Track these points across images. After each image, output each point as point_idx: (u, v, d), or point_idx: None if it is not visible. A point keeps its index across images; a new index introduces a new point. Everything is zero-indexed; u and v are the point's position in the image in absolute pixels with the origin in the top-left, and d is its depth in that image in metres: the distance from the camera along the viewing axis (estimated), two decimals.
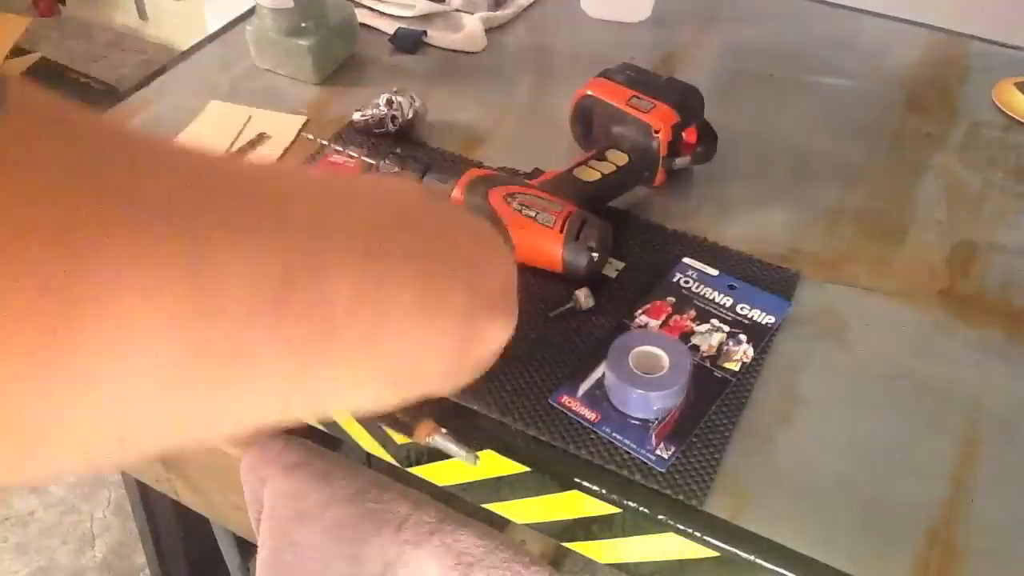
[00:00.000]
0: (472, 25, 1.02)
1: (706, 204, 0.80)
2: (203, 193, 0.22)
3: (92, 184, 0.19)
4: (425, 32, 1.01)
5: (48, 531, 1.57)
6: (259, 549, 0.83)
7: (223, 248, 0.22)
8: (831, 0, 1.11)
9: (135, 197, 0.20)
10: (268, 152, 0.84)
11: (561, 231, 0.67)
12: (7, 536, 1.58)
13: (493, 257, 0.34)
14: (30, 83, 0.19)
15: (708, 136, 0.80)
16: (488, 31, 1.03)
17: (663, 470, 0.57)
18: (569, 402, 0.61)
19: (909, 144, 0.88)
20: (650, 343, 0.62)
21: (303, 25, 0.90)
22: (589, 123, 0.81)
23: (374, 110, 0.84)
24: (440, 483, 0.67)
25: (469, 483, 0.65)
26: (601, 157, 0.75)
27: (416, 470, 0.67)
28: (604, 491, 0.57)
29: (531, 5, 1.09)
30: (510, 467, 0.60)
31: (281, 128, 0.87)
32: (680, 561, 0.57)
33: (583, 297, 0.68)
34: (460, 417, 0.61)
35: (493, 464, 0.61)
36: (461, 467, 0.64)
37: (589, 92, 0.79)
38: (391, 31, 1.01)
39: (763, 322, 0.67)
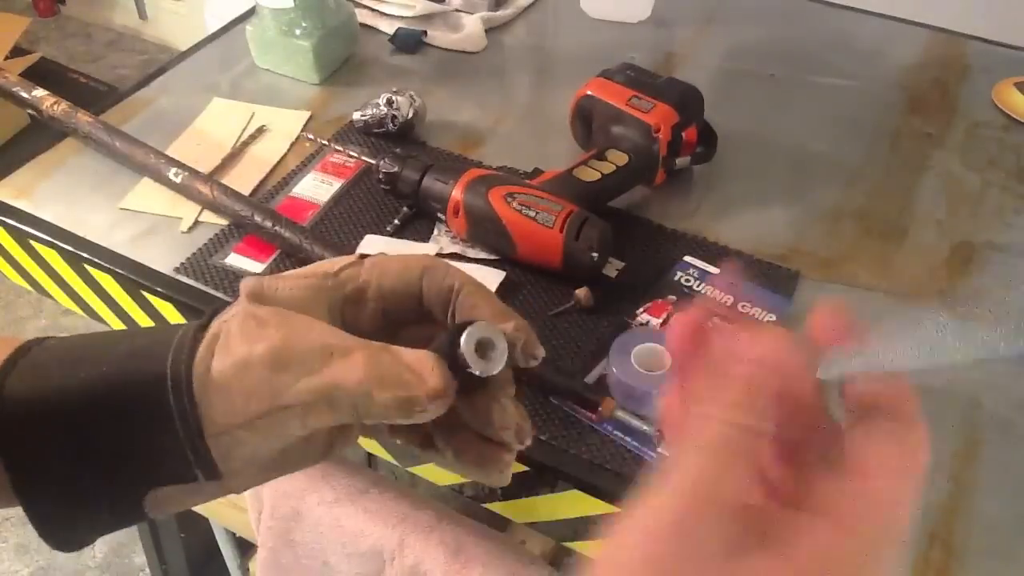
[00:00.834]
0: (472, 25, 1.02)
1: (706, 204, 0.80)
2: None
3: None
4: (425, 32, 1.01)
5: None
6: (259, 549, 0.83)
7: None
8: (831, 0, 1.11)
9: None
10: (270, 147, 0.84)
11: (561, 231, 0.67)
12: (7, 536, 1.58)
13: None
14: None
15: (708, 136, 0.80)
16: (488, 31, 1.03)
17: None
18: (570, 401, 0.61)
19: (909, 144, 0.88)
20: (651, 341, 0.62)
21: (303, 25, 0.90)
22: (589, 123, 0.81)
23: (374, 110, 0.84)
24: (440, 483, 0.67)
25: (468, 483, 0.65)
26: (601, 157, 0.75)
27: (416, 470, 0.67)
28: (605, 490, 0.57)
29: (531, 5, 1.09)
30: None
31: (284, 124, 0.87)
32: None
33: (583, 296, 0.68)
34: None
35: None
36: None
37: (589, 92, 0.79)
38: (391, 31, 1.01)
39: (764, 320, 0.67)
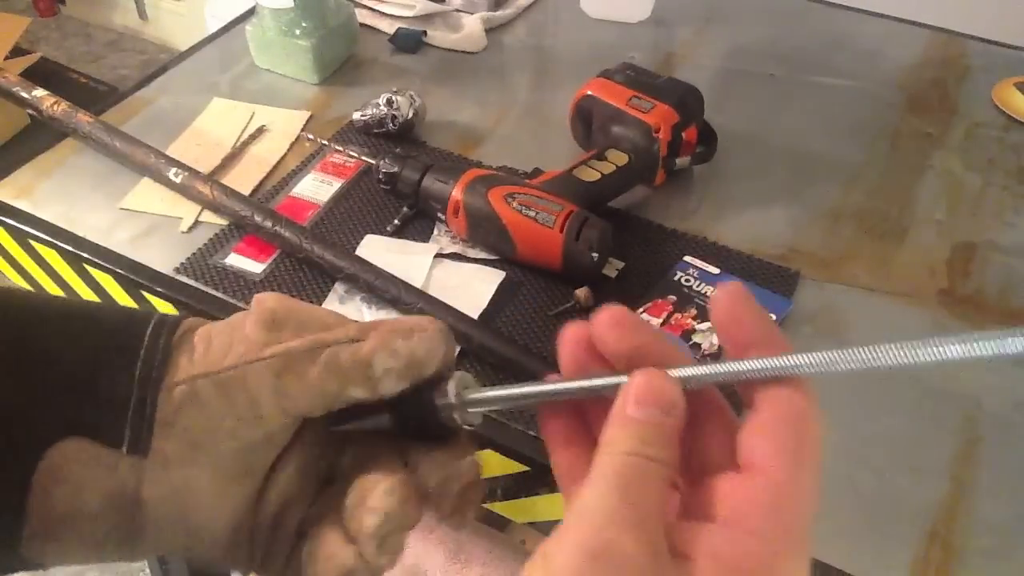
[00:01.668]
0: (472, 25, 1.02)
1: (706, 204, 0.80)
2: None
3: None
4: (425, 32, 1.01)
5: None
6: None
7: None
8: (831, 0, 1.11)
9: None
10: (270, 147, 0.84)
11: (561, 231, 0.67)
12: None
13: None
14: None
15: (708, 136, 0.80)
16: (488, 31, 1.03)
17: None
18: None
19: (909, 144, 0.88)
20: None
21: (303, 25, 0.90)
22: (589, 123, 0.81)
23: (374, 110, 0.84)
24: None
25: None
26: (601, 157, 0.75)
27: None
28: None
29: (531, 5, 1.09)
30: (510, 467, 0.60)
31: (284, 124, 0.87)
32: None
33: (583, 296, 0.68)
34: None
35: (493, 464, 0.61)
36: None
37: (589, 92, 0.79)
38: (391, 31, 1.01)
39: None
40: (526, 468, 0.60)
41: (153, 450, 0.30)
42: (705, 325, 0.67)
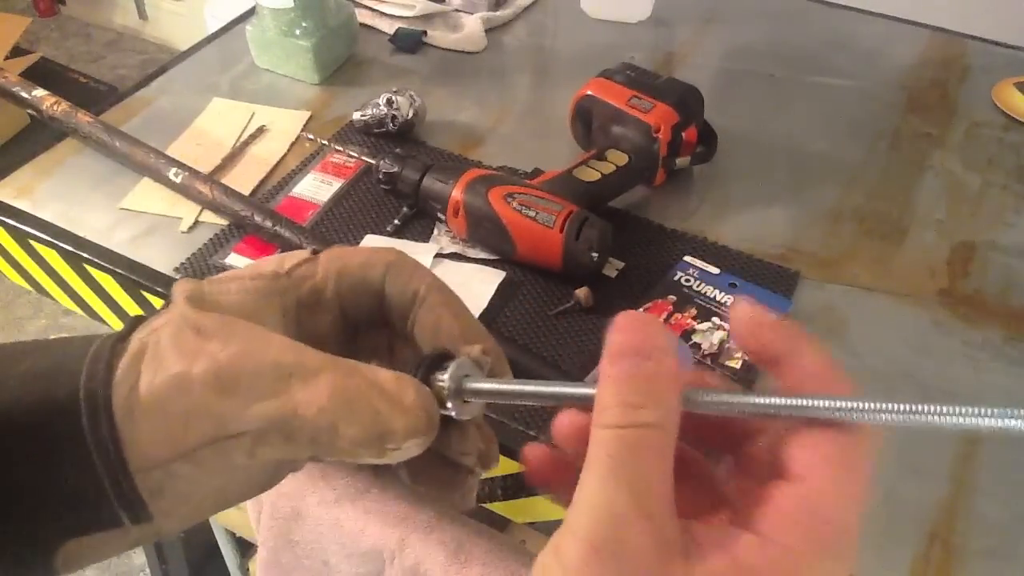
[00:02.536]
0: (472, 25, 1.02)
1: (706, 204, 0.80)
2: None
3: None
4: (425, 32, 1.01)
5: None
6: (259, 549, 0.83)
7: None
8: (831, 0, 1.11)
9: None
10: (270, 147, 0.84)
11: (561, 231, 0.67)
12: None
13: None
14: None
15: (708, 136, 0.80)
16: (488, 31, 1.03)
17: None
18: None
19: (909, 144, 0.88)
20: None
21: (303, 25, 0.90)
22: (589, 123, 0.81)
23: (374, 110, 0.84)
24: None
25: None
26: (601, 157, 0.75)
27: None
28: None
29: (531, 5, 1.09)
30: (510, 467, 0.60)
31: (284, 124, 0.87)
32: None
33: (583, 296, 0.68)
34: None
35: None
36: None
37: (589, 92, 0.79)
38: (391, 31, 1.01)
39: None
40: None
41: (155, 512, 0.29)
42: (705, 325, 0.67)
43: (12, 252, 0.79)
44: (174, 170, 0.77)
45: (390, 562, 0.72)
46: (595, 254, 0.67)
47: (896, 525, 0.56)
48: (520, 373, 0.63)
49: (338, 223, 0.76)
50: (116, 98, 0.91)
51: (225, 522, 1.02)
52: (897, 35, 1.05)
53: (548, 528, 0.64)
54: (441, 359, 0.31)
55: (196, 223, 0.76)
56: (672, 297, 0.69)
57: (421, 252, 0.73)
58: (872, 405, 0.24)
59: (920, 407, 0.23)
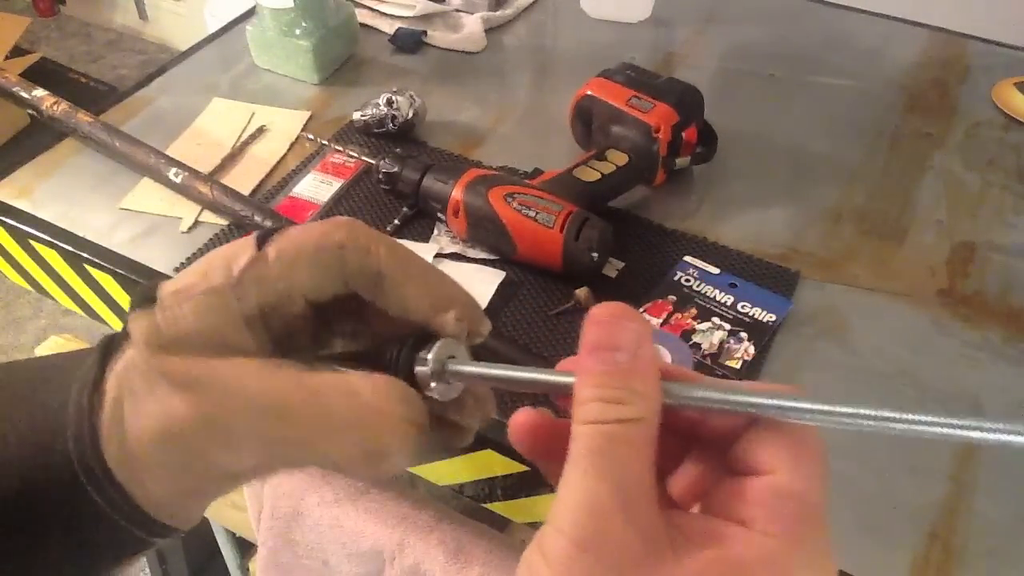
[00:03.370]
0: (472, 25, 1.02)
1: (706, 204, 0.80)
2: None
3: None
4: (425, 32, 1.01)
5: None
6: (259, 548, 0.83)
7: None
8: (831, 0, 1.11)
9: None
10: (270, 147, 0.84)
11: (561, 231, 0.67)
12: None
13: None
14: None
15: (708, 136, 0.80)
16: (488, 31, 1.03)
17: None
18: (570, 402, 0.61)
19: (909, 144, 0.88)
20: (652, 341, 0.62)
21: (303, 25, 0.90)
22: (589, 123, 0.81)
23: (374, 110, 0.84)
24: (440, 483, 0.67)
25: (468, 483, 0.65)
26: (601, 157, 0.75)
27: (416, 470, 0.67)
28: None
29: (531, 5, 1.09)
30: (510, 467, 0.60)
31: (284, 124, 0.87)
32: None
33: (583, 296, 0.68)
34: None
35: (493, 464, 0.61)
36: (460, 467, 0.64)
37: (589, 92, 0.79)
38: (391, 31, 1.01)
39: (764, 320, 0.67)
40: (526, 468, 0.60)
41: (178, 524, 0.33)
42: (705, 325, 0.67)
43: (12, 252, 0.79)
44: (174, 170, 0.77)
45: (390, 562, 0.72)
46: (595, 254, 0.67)
47: (896, 525, 0.56)
48: None
49: None
50: (116, 98, 0.91)
51: (225, 522, 1.02)
52: (897, 35, 1.05)
53: None
54: (422, 340, 0.31)
55: (196, 223, 0.76)
56: (672, 297, 0.69)
57: (421, 252, 0.73)
58: (855, 410, 0.25)
59: (905, 415, 0.24)
